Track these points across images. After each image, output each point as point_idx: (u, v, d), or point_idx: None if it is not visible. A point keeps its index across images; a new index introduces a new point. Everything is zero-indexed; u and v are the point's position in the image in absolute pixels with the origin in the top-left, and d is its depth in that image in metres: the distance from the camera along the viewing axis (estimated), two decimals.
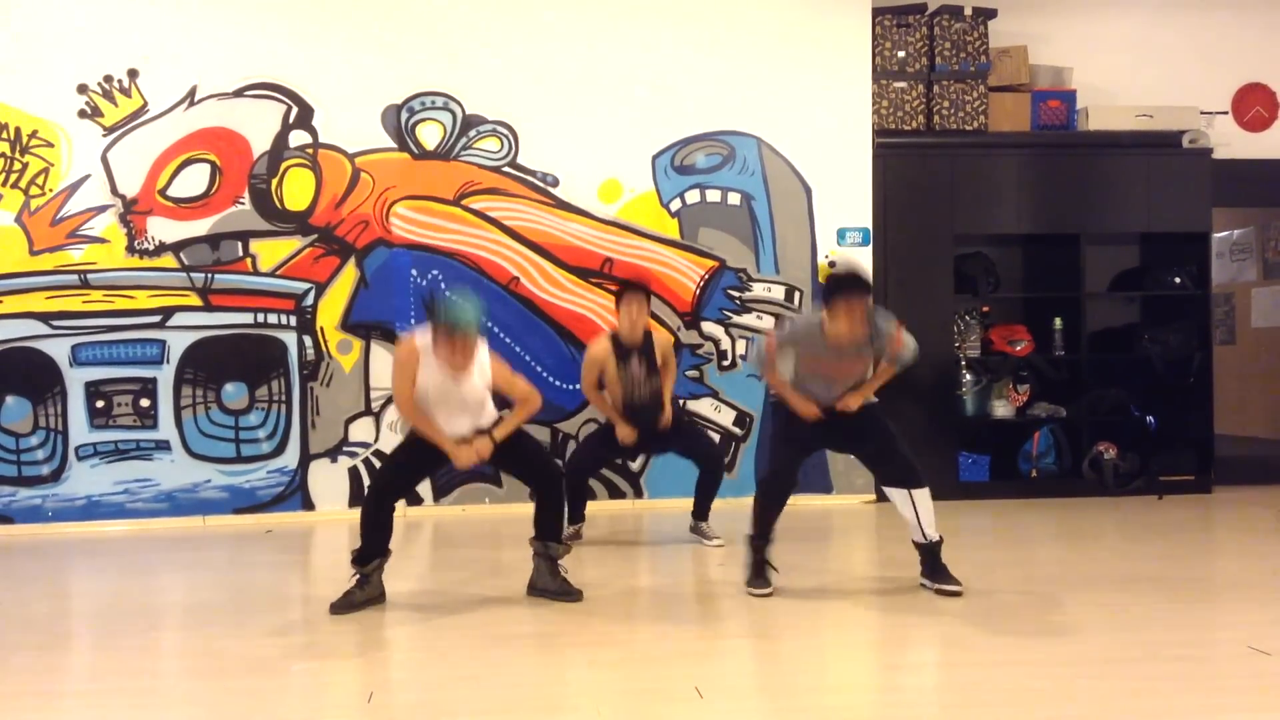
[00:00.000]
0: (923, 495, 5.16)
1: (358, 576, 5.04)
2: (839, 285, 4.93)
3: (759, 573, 5.21)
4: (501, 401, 5.14)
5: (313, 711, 3.81)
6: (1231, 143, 8.53)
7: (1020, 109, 8.17)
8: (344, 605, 4.98)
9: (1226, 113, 8.62)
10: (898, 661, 4.39)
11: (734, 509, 7.60)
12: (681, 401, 7.55)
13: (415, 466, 5.27)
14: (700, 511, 6.62)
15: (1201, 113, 8.37)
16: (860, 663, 4.43)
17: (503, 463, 5.29)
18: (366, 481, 7.54)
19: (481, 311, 4.89)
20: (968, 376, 8.18)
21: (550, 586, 5.14)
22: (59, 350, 7.33)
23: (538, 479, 5.23)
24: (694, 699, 3.73)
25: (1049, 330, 8.24)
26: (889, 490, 5.25)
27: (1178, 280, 8.31)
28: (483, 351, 4.99)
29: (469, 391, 4.96)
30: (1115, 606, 4.90)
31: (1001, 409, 8.23)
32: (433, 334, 4.87)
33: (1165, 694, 3.73)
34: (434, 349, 4.88)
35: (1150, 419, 8.27)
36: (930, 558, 5.21)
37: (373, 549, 5.04)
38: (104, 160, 7.39)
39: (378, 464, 7.54)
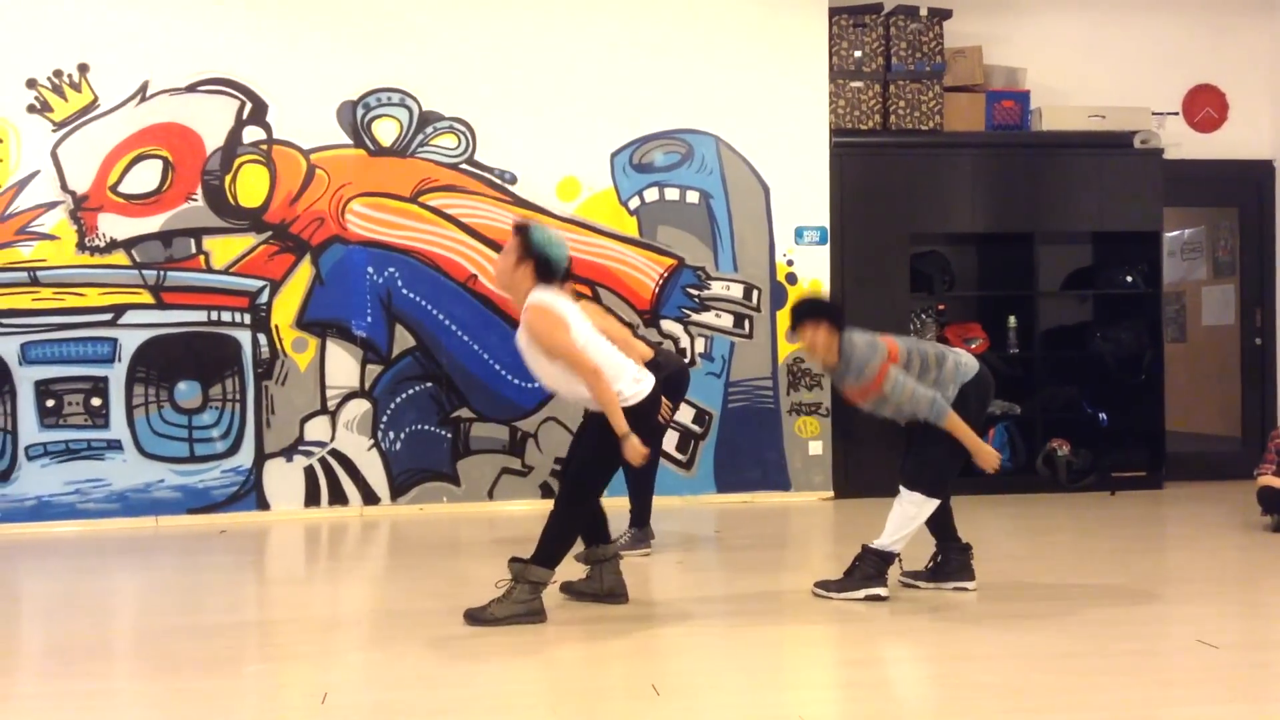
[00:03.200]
0: (900, 499, 5.01)
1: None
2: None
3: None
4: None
5: (267, 713, 3.79)
6: (1182, 143, 8.63)
7: (975, 109, 8.24)
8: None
9: (1177, 114, 8.73)
10: (854, 657, 4.42)
11: (696, 507, 7.66)
12: None
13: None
14: (641, 516, 6.12)
15: (1153, 114, 8.47)
16: (816, 659, 4.46)
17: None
18: (323, 481, 7.49)
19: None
20: None
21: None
22: (8, 349, 7.19)
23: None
24: (651, 696, 3.73)
25: (1003, 328, 8.31)
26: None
27: (1129, 279, 8.42)
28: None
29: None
30: (1067, 601, 4.96)
31: None
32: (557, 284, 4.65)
33: (1116, 688, 3.78)
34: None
35: (1102, 416, 8.37)
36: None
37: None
38: (54, 156, 7.27)
39: (331, 463, 7.51)
